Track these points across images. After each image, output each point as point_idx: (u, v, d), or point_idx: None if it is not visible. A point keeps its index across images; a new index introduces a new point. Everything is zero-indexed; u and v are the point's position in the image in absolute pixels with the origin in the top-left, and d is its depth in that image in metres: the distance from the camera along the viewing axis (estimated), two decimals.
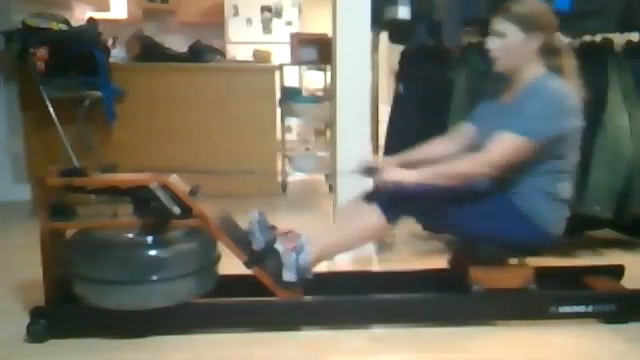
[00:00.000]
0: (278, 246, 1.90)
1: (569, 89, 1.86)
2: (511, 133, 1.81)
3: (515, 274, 1.97)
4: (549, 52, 1.91)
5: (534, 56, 1.90)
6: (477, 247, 1.98)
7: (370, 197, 1.95)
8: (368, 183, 2.00)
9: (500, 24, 1.89)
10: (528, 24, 1.86)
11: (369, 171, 2.00)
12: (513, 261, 2.01)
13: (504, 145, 1.81)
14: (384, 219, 1.89)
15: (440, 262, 2.23)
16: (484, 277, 1.95)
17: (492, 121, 1.93)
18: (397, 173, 1.87)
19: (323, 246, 1.94)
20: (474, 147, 1.97)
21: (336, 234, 2.00)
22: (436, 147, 2.14)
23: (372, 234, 1.98)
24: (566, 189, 1.93)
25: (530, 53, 1.89)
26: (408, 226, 2.06)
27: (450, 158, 1.98)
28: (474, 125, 2.09)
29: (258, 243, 1.90)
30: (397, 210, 1.90)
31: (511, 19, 1.87)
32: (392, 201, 1.89)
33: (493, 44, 1.91)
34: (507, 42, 1.88)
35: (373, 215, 1.90)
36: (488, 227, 1.89)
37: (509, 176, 1.87)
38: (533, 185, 1.88)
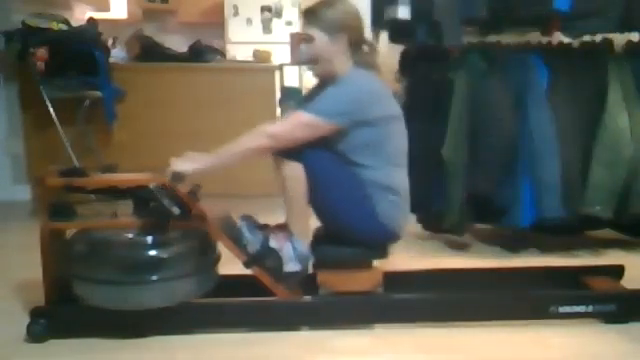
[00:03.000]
0: (272, 243, 1.91)
1: (374, 79, 1.93)
2: (302, 112, 1.87)
3: (363, 277, 1.97)
4: (358, 49, 1.96)
5: (342, 56, 1.94)
6: (322, 250, 1.97)
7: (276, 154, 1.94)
8: None
9: (307, 29, 1.95)
10: (332, 27, 1.91)
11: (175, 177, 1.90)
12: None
13: (290, 121, 1.89)
14: (296, 163, 1.88)
15: (441, 262, 2.23)
16: (331, 280, 1.96)
17: None
18: (182, 163, 1.87)
19: (296, 224, 1.93)
20: None
21: (293, 207, 1.92)
22: None
23: (304, 181, 1.91)
24: (396, 179, 1.94)
25: (337, 53, 1.94)
26: (408, 226, 2.06)
27: None
28: None
29: (252, 245, 1.91)
30: (293, 154, 1.88)
31: (315, 24, 1.92)
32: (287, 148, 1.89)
33: (304, 50, 1.97)
34: (315, 46, 1.93)
35: (290, 167, 1.88)
36: (336, 206, 1.90)
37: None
38: (364, 175, 1.90)
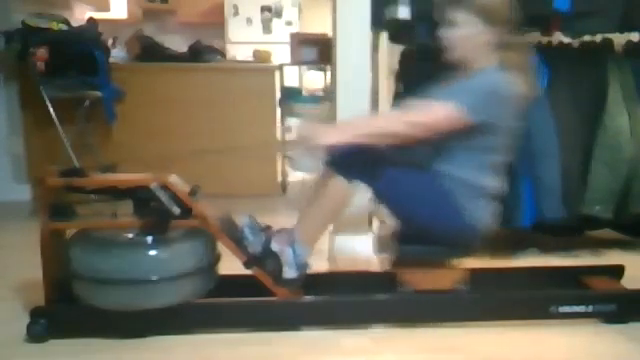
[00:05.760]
0: (274, 246, 1.90)
1: (514, 85, 1.83)
2: (445, 103, 1.78)
3: (445, 275, 1.98)
4: (504, 47, 1.89)
5: (488, 49, 1.88)
6: (407, 249, 1.98)
7: (328, 164, 1.91)
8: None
9: (460, 14, 1.86)
10: (490, 17, 1.85)
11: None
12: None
13: (436, 109, 1.79)
14: (345, 182, 1.87)
15: None
16: (413, 279, 1.96)
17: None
18: (324, 136, 1.79)
19: (308, 233, 1.93)
20: None
21: (315, 218, 1.95)
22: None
23: (343, 202, 1.93)
24: (493, 186, 1.92)
25: (485, 46, 1.88)
26: None
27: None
28: None
29: (254, 247, 1.91)
30: (351, 172, 1.87)
31: (473, 10, 1.85)
32: (346, 163, 1.86)
33: (449, 33, 1.89)
34: (465, 32, 1.87)
35: (337, 183, 1.88)
36: (419, 208, 1.89)
37: (435, 157, 1.89)
38: (458, 176, 1.87)
